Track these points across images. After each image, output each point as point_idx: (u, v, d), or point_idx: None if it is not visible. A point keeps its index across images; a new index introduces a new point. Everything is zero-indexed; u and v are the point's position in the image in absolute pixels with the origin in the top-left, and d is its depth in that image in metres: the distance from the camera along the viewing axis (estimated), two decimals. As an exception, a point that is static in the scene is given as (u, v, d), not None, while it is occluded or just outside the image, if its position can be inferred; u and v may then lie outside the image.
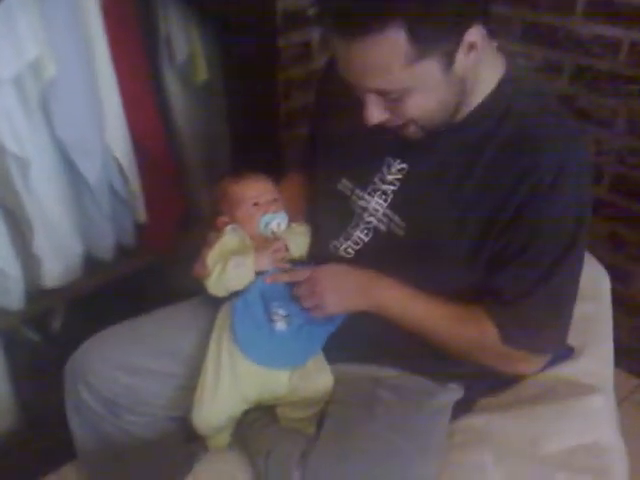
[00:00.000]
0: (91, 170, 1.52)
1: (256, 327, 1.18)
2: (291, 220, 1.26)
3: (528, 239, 1.04)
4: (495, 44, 1.07)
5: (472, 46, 0.95)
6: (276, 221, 1.23)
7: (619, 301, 1.47)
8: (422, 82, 0.96)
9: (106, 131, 1.53)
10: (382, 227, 1.15)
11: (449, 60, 0.95)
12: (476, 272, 1.09)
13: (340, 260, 1.19)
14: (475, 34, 0.94)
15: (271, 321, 1.17)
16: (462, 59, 0.96)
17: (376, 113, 1.01)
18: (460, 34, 0.93)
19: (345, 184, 1.19)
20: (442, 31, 0.92)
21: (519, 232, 1.04)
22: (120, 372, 1.22)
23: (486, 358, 1.15)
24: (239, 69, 1.72)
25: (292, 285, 1.20)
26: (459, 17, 0.92)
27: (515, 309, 1.08)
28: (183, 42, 1.63)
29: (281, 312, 1.18)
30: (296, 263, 1.24)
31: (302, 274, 1.19)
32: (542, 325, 1.10)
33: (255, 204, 1.25)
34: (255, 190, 1.26)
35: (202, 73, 1.70)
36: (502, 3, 1.89)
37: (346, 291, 1.16)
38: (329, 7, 0.93)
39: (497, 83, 1.05)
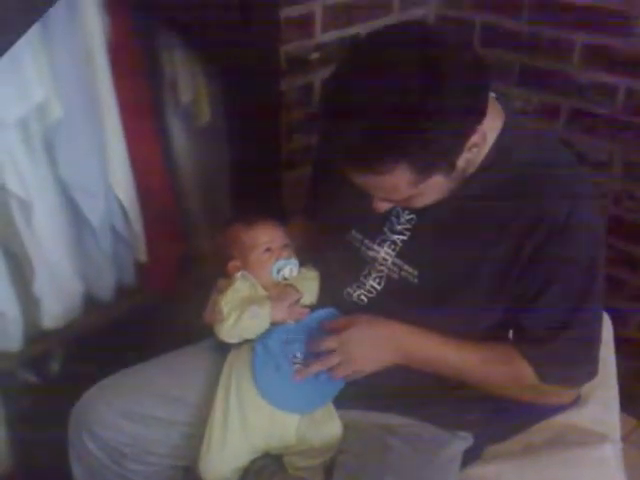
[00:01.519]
0: (94, 211, 1.52)
1: (276, 370, 1.17)
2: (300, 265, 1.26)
3: (551, 277, 1.05)
4: (493, 95, 1.08)
5: (474, 145, 0.98)
6: (289, 267, 1.24)
7: (617, 343, 1.48)
8: (427, 189, 1.00)
9: (110, 173, 1.53)
10: (394, 275, 1.15)
11: (453, 168, 0.99)
12: (496, 313, 1.11)
13: (353, 307, 1.19)
14: (476, 137, 0.97)
15: (292, 364, 1.17)
16: (464, 158, 0.99)
17: (384, 207, 1.08)
18: (462, 148, 0.97)
19: (354, 235, 1.20)
20: (444, 156, 0.96)
21: (537, 275, 1.05)
22: (125, 420, 1.20)
23: (522, 395, 1.17)
24: (241, 112, 1.74)
25: (307, 332, 1.19)
26: (458, 139, 0.95)
27: (548, 347, 1.09)
28: (188, 85, 1.63)
29: (299, 355, 1.18)
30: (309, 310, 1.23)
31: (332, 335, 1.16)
32: (576, 360, 1.12)
33: (267, 250, 1.25)
34: (267, 236, 1.26)
35: (205, 115, 1.71)
36: (500, 47, 1.92)
37: (376, 347, 1.15)
38: (340, 145, 0.97)
39: (498, 135, 1.06)
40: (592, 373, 1.16)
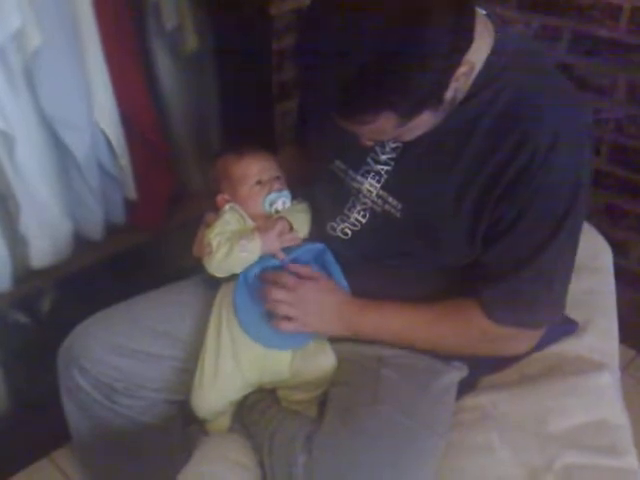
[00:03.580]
0: (79, 145, 1.47)
1: (258, 307, 1.14)
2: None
3: (521, 210, 1.01)
4: (483, 12, 1.02)
5: (462, 74, 0.92)
6: (281, 200, 1.20)
7: (617, 273, 1.46)
8: (415, 126, 0.95)
9: (94, 105, 1.48)
10: (377, 208, 1.12)
11: (440, 102, 0.93)
12: (476, 250, 1.07)
13: (337, 241, 1.16)
14: (463, 68, 0.91)
15: None
16: (452, 88, 0.93)
17: (371, 143, 1.04)
18: (448, 84, 0.91)
19: (338, 165, 1.16)
20: (430, 97, 0.90)
21: (513, 203, 1.00)
22: (115, 355, 1.19)
23: (476, 346, 1.14)
24: (229, 39, 1.68)
25: (297, 264, 1.17)
26: (444, 77, 0.89)
27: (502, 284, 1.06)
28: (172, 11, 1.57)
29: None
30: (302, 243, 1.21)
31: (288, 279, 1.14)
32: (531, 300, 1.08)
33: (258, 182, 1.21)
34: (258, 168, 1.22)
35: (192, 43, 1.65)
36: (499, -31, 1.85)
37: (327, 314, 1.15)
38: (318, 97, 0.94)
39: (487, 56, 1.01)
40: (551, 316, 1.12)
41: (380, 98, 0.87)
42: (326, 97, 0.90)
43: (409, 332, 1.14)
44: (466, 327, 1.11)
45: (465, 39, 0.90)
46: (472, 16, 0.92)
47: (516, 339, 1.14)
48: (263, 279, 1.15)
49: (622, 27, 1.72)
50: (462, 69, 0.91)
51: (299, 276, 1.15)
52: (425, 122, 0.96)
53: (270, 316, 1.14)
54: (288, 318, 1.12)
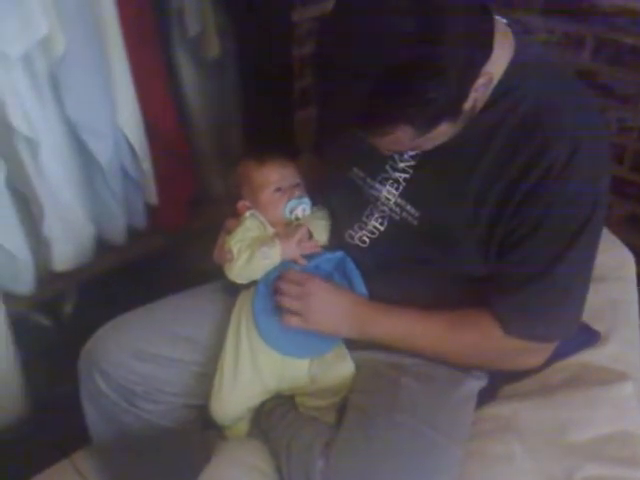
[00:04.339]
0: (102, 151, 1.49)
1: (277, 314, 1.14)
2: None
3: (537, 221, 0.99)
4: (504, 21, 1.02)
5: (481, 85, 0.92)
6: (301, 207, 1.20)
7: (638, 282, 1.44)
8: (433, 137, 0.95)
9: (117, 110, 1.50)
10: (395, 216, 1.11)
11: (459, 115, 0.93)
12: (490, 260, 1.06)
13: (355, 249, 1.16)
14: (482, 79, 0.90)
15: None
16: (471, 99, 0.93)
17: (390, 152, 1.04)
18: (467, 96, 0.90)
19: (357, 173, 1.16)
20: (448, 110, 0.90)
21: (530, 213, 0.99)
22: (136, 360, 1.19)
23: (489, 358, 1.13)
24: (252, 45, 1.68)
25: (315, 272, 1.17)
26: (462, 90, 0.89)
27: (517, 296, 1.05)
28: (196, 17, 1.58)
29: None
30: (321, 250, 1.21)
31: (297, 273, 1.15)
32: (546, 313, 1.07)
33: (278, 189, 1.21)
34: (278, 175, 1.22)
35: (214, 49, 1.67)
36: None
37: (334, 312, 1.14)
38: (336, 110, 0.93)
39: (507, 66, 1.00)
40: (567, 329, 1.10)
41: (396, 112, 0.86)
42: (343, 110, 0.90)
43: (421, 339, 1.12)
44: (480, 338, 1.10)
45: (483, 51, 0.90)
46: (490, 27, 0.92)
47: (529, 352, 1.13)
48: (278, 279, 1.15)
49: (647, 34, 1.70)
50: (481, 80, 0.90)
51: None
52: (443, 133, 0.95)
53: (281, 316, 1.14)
54: (292, 312, 1.12)
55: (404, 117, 0.87)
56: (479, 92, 0.93)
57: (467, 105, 0.92)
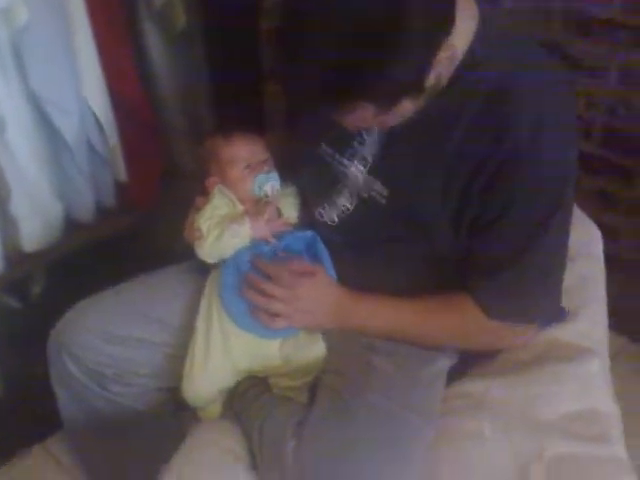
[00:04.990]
0: (68, 127, 1.47)
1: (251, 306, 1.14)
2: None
3: (506, 202, 0.99)
4: None
5: (444, 59, 0.90)
6: (270, 183, 1.19)
7: (607, 258, 1.44)
8: (396, 113, 0.94)
9: (82, 85, 1.47)
10: (364, 194, 1.11)
11: (421, 91, 0.91)
12: (462, 240, 1.06)
13: (325, 228, 1.15)
14: (443, 53, 0.89)
15: None
16: (433, 74, 0.91)
17: (352, 127, 1.01)
18: (428, 71, 0.89)
19: (325, 149, 1.14)
20: (409, 86, 0.89)
21: (498, 194, 0.99)
22: (105, 342, 1.18)
23: (472, 341, 1.15)
24: (219, 17, 1.65)
25: (286, 252, 1.16)
26: (423, 64, 0.87)
27: (495, 279, 1.05)
28: (161, -12, 1.55)
29: None
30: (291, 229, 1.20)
31: (286, 275, 1.13)
32: (527, 294, 1.08)
33: (247, 165, 1.20)
34: (247, 151, 1.21)
35: (180, 19, 1.63)
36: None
37: (320, 312, 1.14)
38: (295, 86, 0.92)
39: (472, 39, 0.98)
40: (549, 309, 1.12)
41: (355, 90, 0.85)
42: (302, 88, 0.89)
43: (401, 326, 1.13)
44: (461, 322, 1.11)
45: (444, 23, 0.88)
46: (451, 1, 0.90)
47: (514, 333, 1.14)
48: (257, 267, 1.14)
49: (616, 6, 1.69)
50: (443, 54, 0.89)
51: (296, 272, 1.13)
52: (407, 108, 0.94)
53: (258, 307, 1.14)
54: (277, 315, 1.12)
55: (363, 94, 0.86)
56: (443, 66, 0.91)
57: (430, 80, 0.91)
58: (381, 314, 1.13)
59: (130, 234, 1.66)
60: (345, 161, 1.12)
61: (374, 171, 1.09)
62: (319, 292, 1.14)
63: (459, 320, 1.11)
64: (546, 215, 1.01)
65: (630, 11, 1.67)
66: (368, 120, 0.94)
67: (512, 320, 1.11)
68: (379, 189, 1.09)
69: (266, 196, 1.20)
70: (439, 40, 0.87)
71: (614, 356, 1.55)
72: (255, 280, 1.13)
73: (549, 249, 1.04)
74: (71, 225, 1.58)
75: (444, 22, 0.88)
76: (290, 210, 1.22)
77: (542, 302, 1.11)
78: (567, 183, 1.01)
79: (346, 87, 0.85)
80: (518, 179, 0.98)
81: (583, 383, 1.17)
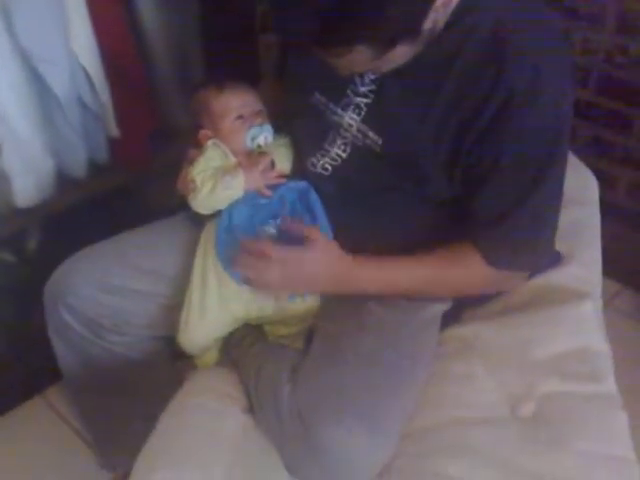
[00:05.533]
0: (58, 81, 1.45)
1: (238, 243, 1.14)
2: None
3: (502, 151, 0.99)
4: None
5: (442, 5, 0.89)
6: (263, 135, 1.19)
7: (603, 206, 1.45)
8: (392, 58, 0.93)
9: (72, 39, 1.45)
10: (358, 142, 1.10)
11: (418, 34, 0.90)
12: (456, 187, 1.06)
13: (318, 177, 1.15)
14: (440, 1, 0.87)
15: (255, 238, 1.14)
16: (430, 20, 0.90)
17: (348, 73, 1.00)
18: (426, 15, 0.87)
19: (318, 98, 1.13)
20: (405, 30, 0.87)
21: (493, 143, 0.99)
22: (101, 292, 1.19)
23: (477, 288, 1.15)
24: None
25: (281, 204, 1.16)
26: (421, 8, 0.86)
27: (497, 229, 1.06)
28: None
29: (271, 232, 1.15)
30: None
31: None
32: (526, 242, 1.09)
33: (239, 117, 1.19)
34: (239, 102, 1.19)
35: (172, -27, 1.61)
36: None
37: (319, 282, 1.09)
38: (290, 28, 0.90)
39: None
40: (545, 255, 1.13)
41: (353, 32, 0.84)
42: (297, 31, 0.88)
43: (405, 288, 1.12)
44: (466, 273, 1.11)
45: None
46: None
47: (512, 279, 1.16)
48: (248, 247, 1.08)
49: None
50: (440, 0, 0.88)
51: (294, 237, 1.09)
52: (402, 55, 0.94)
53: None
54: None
55: (360, 37, 0.85)
56: (439, 12, 0.90)
57: (426, 25, 0.90)
58: (382, 278, 1.11)
59: (124, 191, 1.65)
60: (339, 110, 1.11)
61: (368, 119, 1.08)
62: (318, 266, 1.08)
63: (463, 271, 1.11)
64: (542, 164, 1.01)
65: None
66: (362, 64, 0.93)
67: (514, 268, 1.12)
68: (374, 137, 1.08)
69: (259, 147, 1.19)
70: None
71: (608, 302, 1.56)
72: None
73: (546, 196, 1.05)
74: (64, 181, 1.57)
75: None
76: (283, 161, 1.21)
77: (539, 247, 1.12)
78: (562, 133, 1.01)
79: (345, 29, 0.83)
80: (513, 127, 0.97)
81: (575, 324, 1.19)
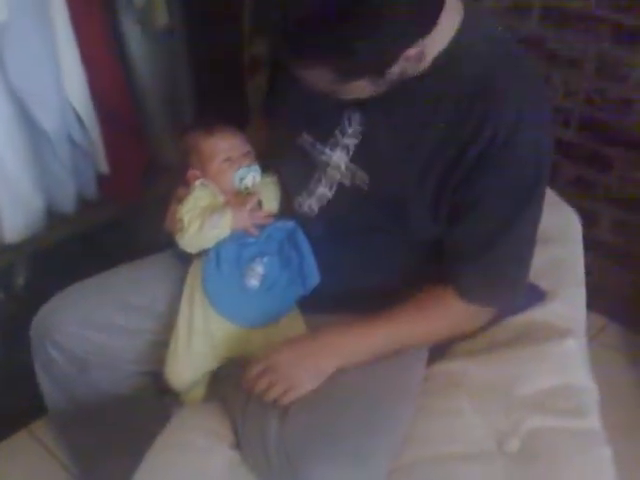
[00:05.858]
0: (49, 120, 1.47)
1: (227, 283, 1.16)
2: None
3: (484, 191, 1.02)
4: None
5: (409, 58, 0.93)
6: (251, 175, 1.20)
7: (587, 242, 1.48)
8: (352, 89, 0.97)
9: (63, 79, 1.47)
10: (346, 181, 1.12)
11: (381, 77, 0.95)
12: (440, 226, 1.08)
13: (304, 218, 1.16)
14: (417, 51, 0.92)
15: (242, 276, 1.15)
16: (399, 67, 0.94)
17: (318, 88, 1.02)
18: (393, 62, 0.92)
19: (305, 138, 1.16)
20: (369, 68, 0.92)
21: (476, 184, 1.02)
22: (88, 329, 1.19)
23: (450, 327, 1.16)
24: (201, 14, 1.66)
25: (268, 242, 1.18)
26: (389, 55, 0.91)
27: (474, 265, 1.08)
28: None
29: (259, 270, 1.16)
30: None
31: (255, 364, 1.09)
32: (503, 277, 1.11)
33: (227, 159, 1.21)
34: (227, 145, 1.21)
35: (162, 17, 1.63)
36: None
37: (308, 367, 1.08)
38: (271, 32, 0.94)
39: (455, 34, 1.01)
40: (520, 290, 1.14)
41: (317, 50, 0.88)
42: (275, 36, 0.93)
43: (387, 347, 1.12)
44: (445, 313, 1.12)
45: (424, 24, 0.91)
46: (438, 5, 0.93)
47: (485, 314, 1.17)
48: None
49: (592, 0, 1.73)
50: (412, 51, 0.91)
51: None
52: (362, 88, 0.97)
53: (243, 294, 1.16)
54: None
55: (322, 58, 0.89)
56: (410, 62, 0.94)
57: (394, 70, 0.94)
58: (363, 347, 1.11)
59: (113, 226, 1.66)
60: (327, 150, 1.13)
61: (357, 159, 1.10)
62: (295, 353, 1.10)
63: (443, 312, 1.12)
64: (519, 205, 1.04)
65: (605, 6, 1.71)
66: (323, 84, 0.96)
67: (490, 302, 1.13)
68: (362, 176, 1.10)
69: (247, 188, 1.21)
70: (415, 36, 0.90)
71: (594, 336, 1.58)
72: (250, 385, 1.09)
73: (523, 231, 1.07)
74: (53, 216, 1.58)
75: (425, 22, 0.91)
76: (271, 200, 1.23)
77: (516, 283, 1.13)
78: (540, 177, 1.05)
79: (313, 45, 0.87)
80: (495, 170, 1.01)
81: (560, 361, 1.20)
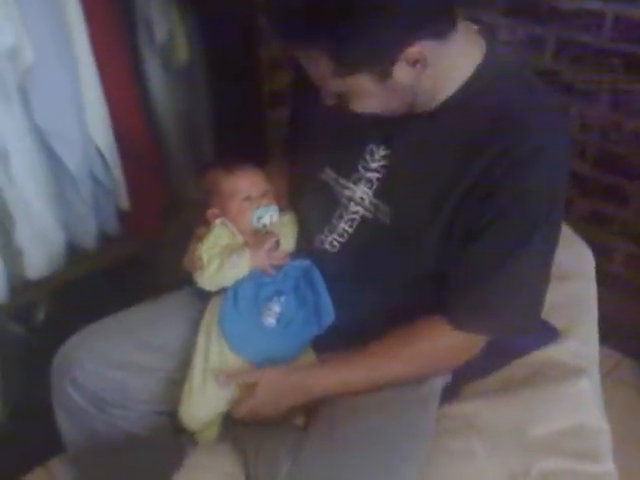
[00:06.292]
0: (72, 158, 1.50)
1: (245, 321, 1.17)
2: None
3: (489, 221, 1.03)
4: (475, 27, 1.06)
5: (416, 61, 0.95)
6: (269, 215, 1.22)
7: (601, 277, 1.48)
8: (356, 90, 0.98)
9: (86, 118, 1.51)
10: (369, 215, 1.14)
11: (383, 75, 0.96)
12: (447, 255, 1.09)
13: (326, 255, 1.18)
14: (419, 52, 0.93)
15: (260, 314, 1.17)
16: (404, 72, 0.96)
17: (328, 99, 1.04)
18: (392, 56, 0.94)
19: (328, 173, 1.18)
20: (366, 57, 0.94)
21: (484, 214, 1.03)
22: (107, 367, 1.21)
23: (444, 360, 1.16)
24: (220, 50, 1.70)
25: (285, 280, 1.20)
26: (385, 45, 0.92)
27: (472, 294, 1.08)
28: (163, 22, 1.59)
29: (276, 308, 1.18)
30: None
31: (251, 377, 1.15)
32: (501, 307, 1.09)
33: (247, 198, 1.23)
34: (246, 184, 1.23)
35: (183, 53, 1.68)
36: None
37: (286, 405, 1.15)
38: (270, 21, 0.96)
39: (475, 69, 1.03)
40: (524, 323, 1.13)
41: (312, 35, 0.91)
42: (275, 24, 0.95)
43: (376, 380, 1.14)
44: (433, 343, 1.13)
45: (426, 23, 0.93)
46: (441, 11, 0.95)
47: (476, 344, 1.15)
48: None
49: (605, 34, 1.74)
50: (413, 52, 0.93)
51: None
52: (366, 91, 0.98)
53: (260, 333, 1.17)
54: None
55: (318, 43, 0.91)
56: (415, 68, 0.95)
57: (401, 74, 0.95)
58: (350, 383, 1.14)
59: (133, 262, 1.68)
60: (351, 184, 1.15)
61: (380, 193, 1.12)
62: (273, 389, 1.14)
63: (430, 342, 1.13)
64: (524, 238, 1.04)
65: (619, 38, 1.72)
66: (325, 77, 0.97)
67: (485, 332, 1.13)
68: (385, 210, 1.12)
69: (264, 227, 1.22)
70: (410, 33, 0.92)
71: (608, 372, 1.56)
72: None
73: (528, 264, 1.07)
74: (74, 253, 1.61)
75: (426, 22, 0.93)
76: (288, 239, 1.24)
77: (516, 315, 1.12)
78: (553, 204, 1.05)
79: (308, 29, 0.90)
80: (507, 196, 1.02)
81: (573, 402, 1.20)
